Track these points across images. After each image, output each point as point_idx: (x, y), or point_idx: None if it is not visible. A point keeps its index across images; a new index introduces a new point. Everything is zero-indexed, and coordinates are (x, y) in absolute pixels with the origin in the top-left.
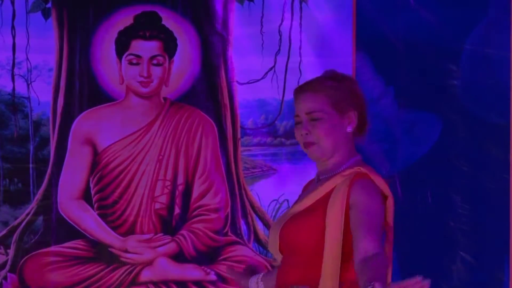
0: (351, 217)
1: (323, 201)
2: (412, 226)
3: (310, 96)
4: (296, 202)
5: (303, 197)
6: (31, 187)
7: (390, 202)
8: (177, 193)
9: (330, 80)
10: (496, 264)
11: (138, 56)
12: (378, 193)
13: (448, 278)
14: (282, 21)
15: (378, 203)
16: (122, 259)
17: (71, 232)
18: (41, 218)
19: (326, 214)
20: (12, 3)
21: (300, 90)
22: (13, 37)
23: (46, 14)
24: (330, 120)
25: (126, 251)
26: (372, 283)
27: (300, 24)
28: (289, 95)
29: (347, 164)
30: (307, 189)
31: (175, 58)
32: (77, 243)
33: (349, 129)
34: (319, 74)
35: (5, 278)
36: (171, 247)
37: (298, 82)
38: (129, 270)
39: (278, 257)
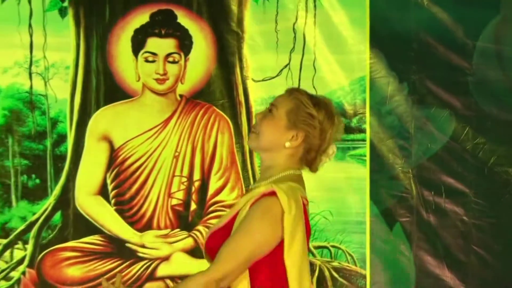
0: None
1: (235, 218)
2: (426, 221)
3: (284, 95)
4: (226, 213)
5: (232, 208)
6: (49, 183)
7: (288, 219)
8: (193, 189)
9: (309, 99)
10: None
11: (154, 54)
12: (269, 212)
13: (462, 273)
14: (296, 18)
15: (256, 224)
16: (139, 254)
17: (88, 227)
18: (58, 213)
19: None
20: (29, 2)
21: (287, 89)
22: (31, 36)
23: (63, 13)
24: (277, 122)
25: (143, 247)
26: None
27: (315, 21)
28: None
29: (272, 178)
30: (240, 199)
31: (191, 55)
32: (95, 239)
33: (287, 145)
34: (334, 71)
35: (23, 273)
36: (188, 242)
37: (313, 80)
38: (146, 265)
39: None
